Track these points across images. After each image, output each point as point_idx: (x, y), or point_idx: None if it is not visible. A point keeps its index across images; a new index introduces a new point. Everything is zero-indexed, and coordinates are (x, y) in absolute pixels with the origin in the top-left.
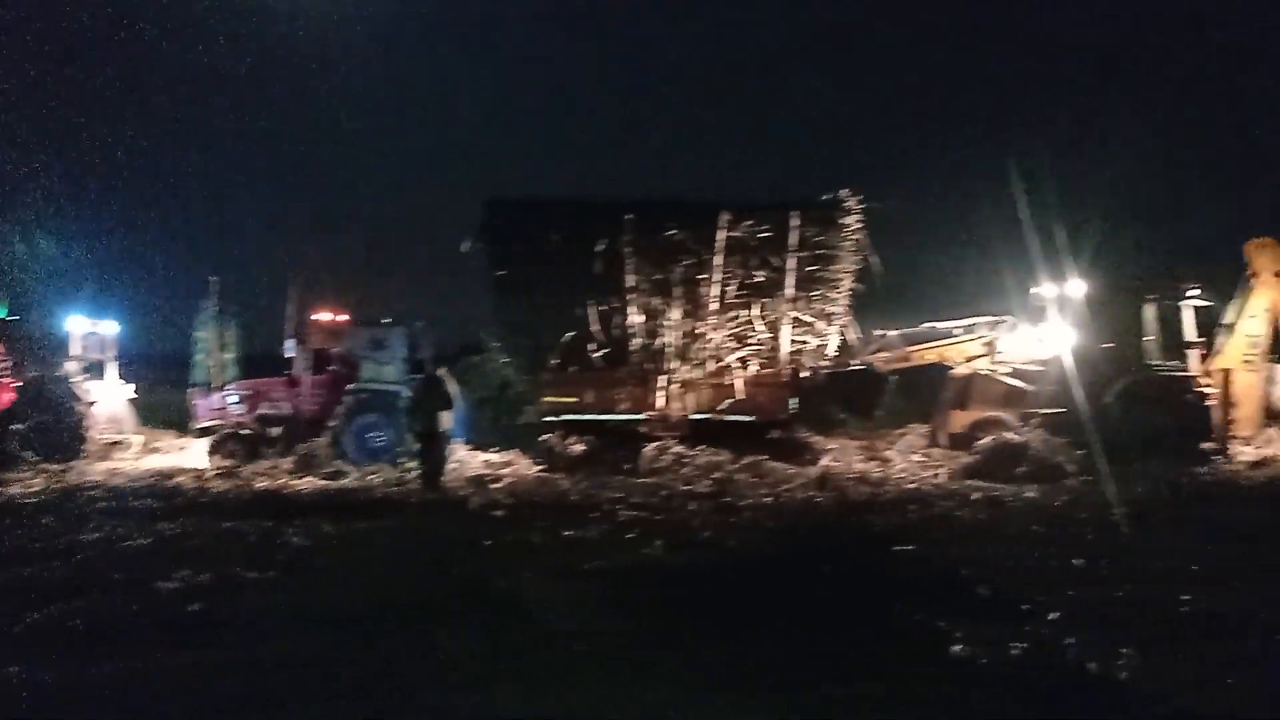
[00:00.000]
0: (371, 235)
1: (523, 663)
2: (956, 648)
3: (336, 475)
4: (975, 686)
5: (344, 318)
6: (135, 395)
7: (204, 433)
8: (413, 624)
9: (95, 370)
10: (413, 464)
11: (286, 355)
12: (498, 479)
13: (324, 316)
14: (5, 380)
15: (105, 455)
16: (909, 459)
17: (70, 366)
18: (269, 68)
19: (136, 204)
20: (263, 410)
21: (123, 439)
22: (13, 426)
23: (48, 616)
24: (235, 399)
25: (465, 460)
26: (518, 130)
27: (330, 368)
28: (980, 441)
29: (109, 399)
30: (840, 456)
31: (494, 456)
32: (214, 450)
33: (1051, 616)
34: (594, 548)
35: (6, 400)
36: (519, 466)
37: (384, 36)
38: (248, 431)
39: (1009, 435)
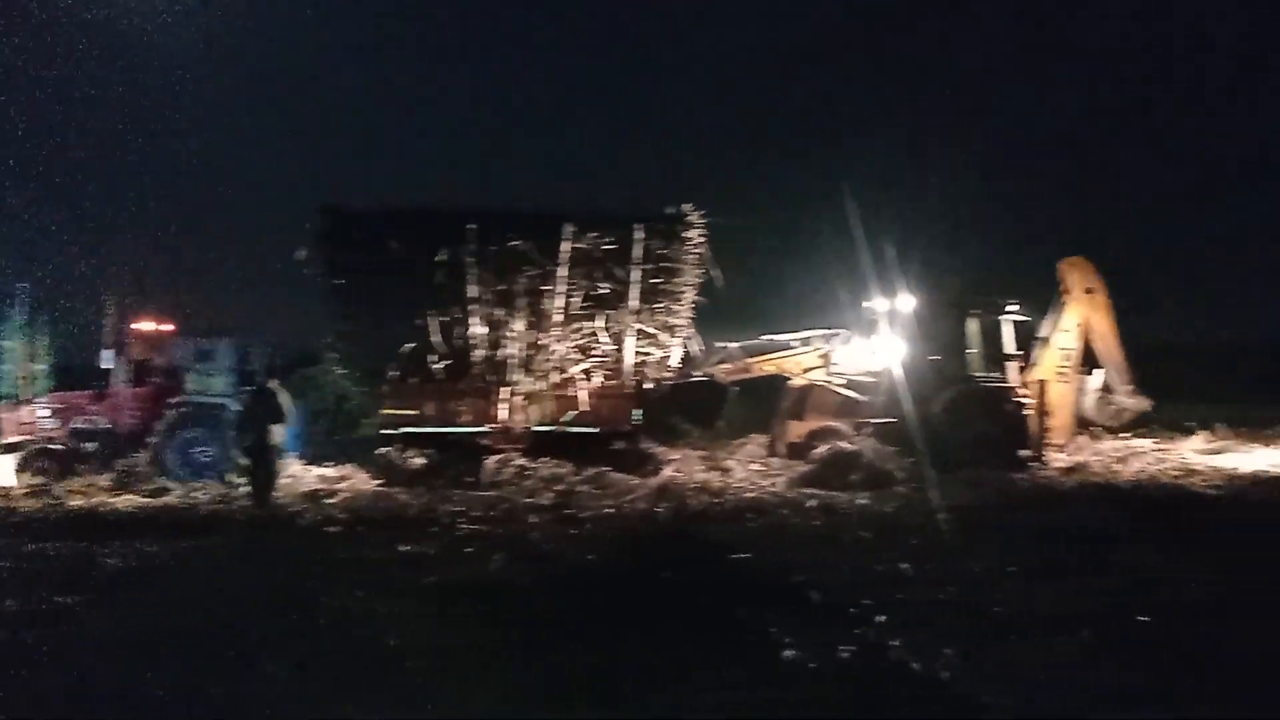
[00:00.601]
0: (200, 241)
1: (352, 682)
2: (789, 652)
3: (159, 492)
4: (806, 689)
5: (167, 327)
6: None
7: (11, 449)
8: (235, 647)
9: None
10: (241, 480)
11: (103, 366)
12: (333, 494)
13: (145, 326)
14: None
15: None
16: (749, 468)
17: None
18: (90, 62)
19: None
20: (77, 424)
21: None
22: None
23: None
24: (47, 413)
25: (299, 475)
26: (357, 136)
27: (152, 380)
28: (816, 451)
29: None
30: (682, 467)
31: (330, 471)
32: (23, 467)
33: (879, 619)
34: (432, 563)
35: None
36: (356, 481)
37: (214, 31)
38: (60, 447)
39: (843, 444)
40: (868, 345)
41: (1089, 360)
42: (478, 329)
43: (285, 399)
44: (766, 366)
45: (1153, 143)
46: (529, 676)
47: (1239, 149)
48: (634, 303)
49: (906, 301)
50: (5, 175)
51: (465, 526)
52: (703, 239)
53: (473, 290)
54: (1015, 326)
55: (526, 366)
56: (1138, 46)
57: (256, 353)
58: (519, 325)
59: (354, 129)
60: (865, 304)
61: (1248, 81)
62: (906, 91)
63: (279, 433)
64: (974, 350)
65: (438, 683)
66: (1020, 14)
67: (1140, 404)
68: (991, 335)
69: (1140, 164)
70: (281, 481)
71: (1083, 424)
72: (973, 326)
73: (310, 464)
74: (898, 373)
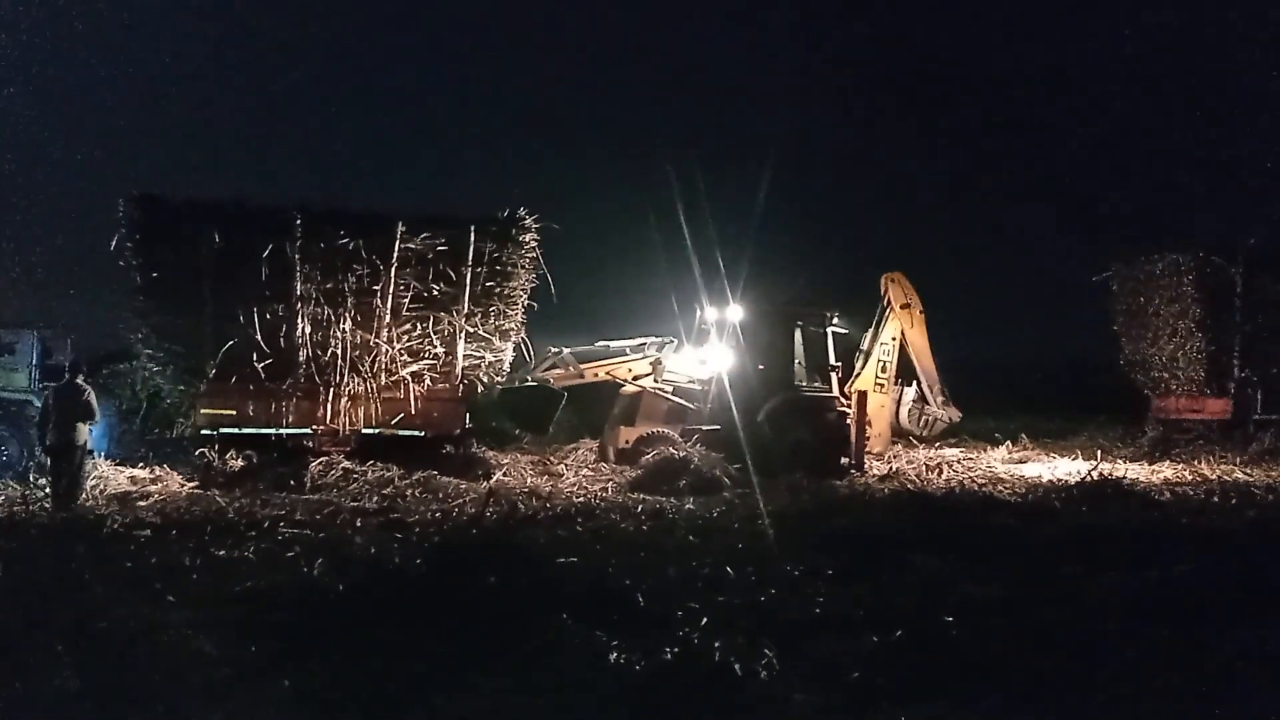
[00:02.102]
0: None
1: (144, 695)
2: (613, 656)
3: None
4: (627, 694)
5: None
6: None
7: None
8: (16, 659)
9: None
10: (43, 481)
11: None
12: (145, 496)
13: None
14: None
15: None
16: (579, 473)
17: None
18: None
19: None
20: None
21: None
22: None
23: None
24: None
25: (108, 476)
26: (174, 122)
27: None
28: (645, 456)
29: None
30: (512, 471)
31: (141, 472)
32: None
33: (703, 621)
34: (249, 568)
35: None
36: (170, 483)
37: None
38: None
39: (672, 450)
40: (698, 353)
41: (905, 372)
42: (303, 327)
43: (92, 395)
44: (599, 372)
45: (977, 160)
46: (340, 684)
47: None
48: (466, 305)
49: (735, 311)
50: None
51: (286, 531)
52: (536, 243)
53: (299, 288)
54: (837, 338)
55: (354, 367)
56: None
57: (60, 346)
58: (347, 325)
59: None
60: (696, 312)
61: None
62: (739, 100)
63: (85, 431)
64: (798, 360)
65: (238, 694)
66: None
67: (951, 415)
68: (815, 346)
69: (959, 178)
70: (90, 483)
71: (898, 433)
72: (798, 337)
73: (120, 465)
74: (725, 381)
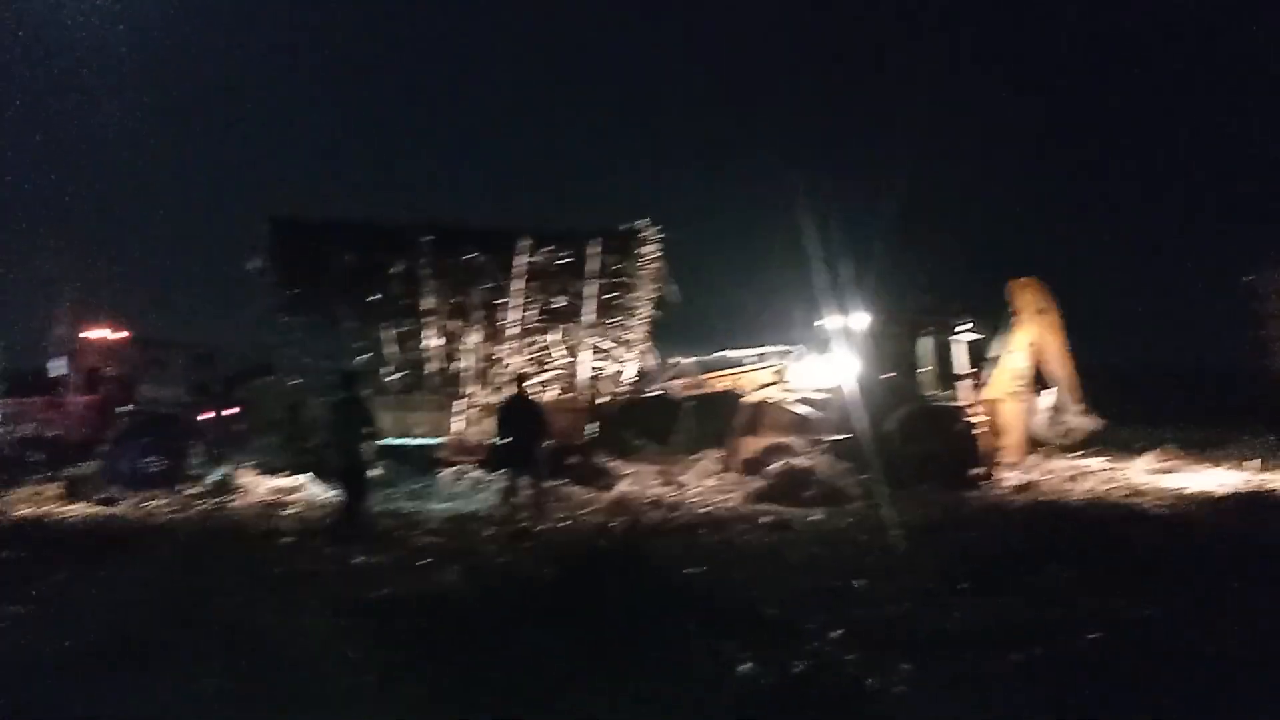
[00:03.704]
0: (152, 249)
1: (287, 696)
2: (743, 667)
3: (109, 502)
4: (760, 705)
5: (119, 335)
6: None
7: None
8: (167, 659)
9: None
10: (195, 490)
11: (52, 374)
12: (286, 505)
13: (97, 333)
14: None
15: None
16: (703, 483)
17: None
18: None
19: None
20: (26, 431)
21: None
22: None
23: None
24: None
25: (253, 485)
26: (310, 145)
27: (103, 388)
28: (770, 467)
29: None
30: (637, 481)
31: (283, 481)
32: None
33: (833, 635)
34: (385, 575)
35: None
36: (309, 492)
37: (163, 40)
38: (10, 454)
39: (797, 461)
40: (822, 362)
41: (1041, 380)
42: (433, 341)
43: (372, 410)
44: (721, 382)
45: (1111, 164)
46: (476, 692)
47: (1197, 174)
48: (589, 317)
49: (860, 319)
50: None
51: (420, 539)
52: (658, 254)
53: (427, 303)
54: (968, 345)
55: (482, 379)
56: (1092, 63)
57: (205, 362)
58: (474, 338)
59: (308, 140)
60: (819, 321)
61: (1212, 102)
62: (864, 108)
63: (370, 450)
64: (926, 369)
65: (378, 700)
66: (982, 23)
67: (1091, 423)
68: (944, 354)
69: (1095, 184)
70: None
71: (1034, 443)
72: (925, 345)
73: (265, 473)
74: (851, 390)
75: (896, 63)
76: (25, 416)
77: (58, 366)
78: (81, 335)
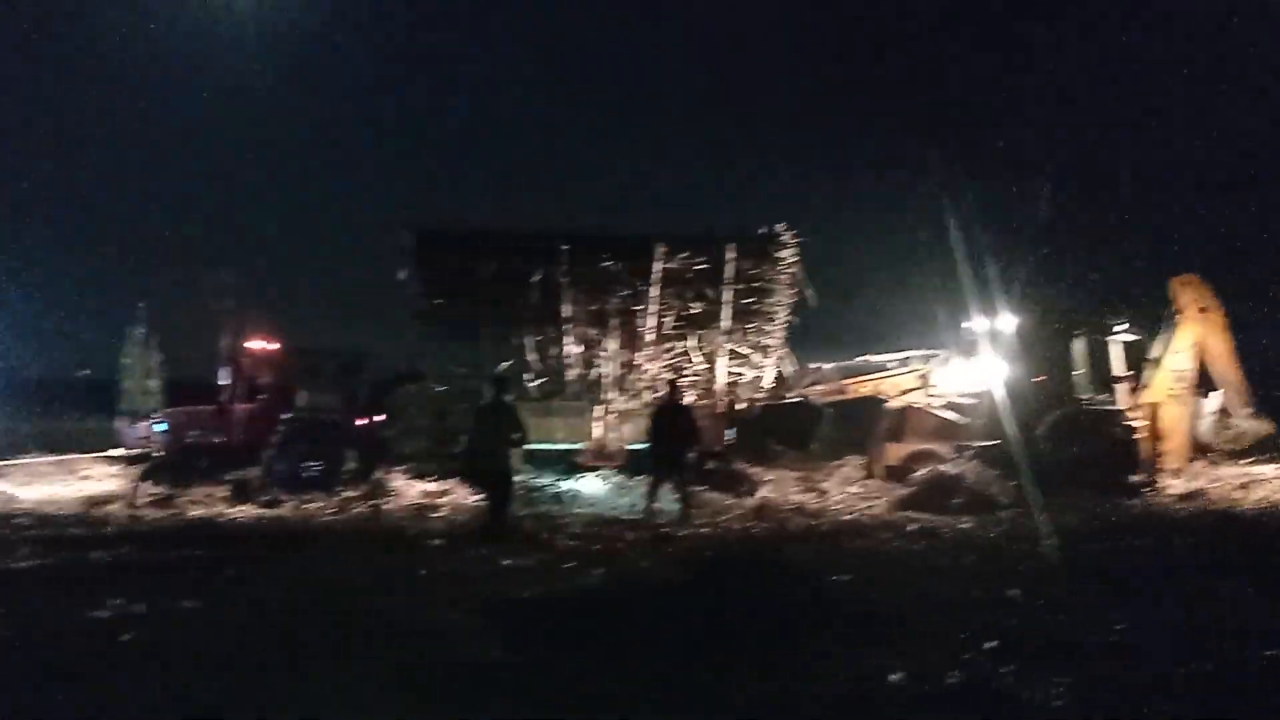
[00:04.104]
0: (296, 262)
1: (438, 694)
2: (894, 677)
3: (272, 504)
4: (910, 715)
5: (277, 346)
6: None
7: (133, 460)
8: (335, 656)
9: None
10: (350, 493)
11: (219, 383)
12: (435, 508)
13: (256, 345)
14: None
15: None
16: (846, 490)
17: None
18: (198, 91)
19: (51, 234)
20: (193, 438)
21: None
22: None
23: None
24: (165, 426)
25: (402, 489)
26: (447, 159)
27: (263, 396)
28: (916, 473)
29: None
30: (778, 488)
31: (431, 486)
32: (145, 477)
33: (987, 646)
34: (532, 577)
35: None
36: (457, 496)
37: (307, 65)
38: (178, 459)
39: (944, 467)
40: (968, 366)
41: (1204, 383)
42: (571, 348)
43: (520, 415)
44: (863, 388)
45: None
46: (622, 695)
47: None
48: (726, 323)
49: (1009, 321)
50: (122, 204)
51: (564, 542)
52: (796, 258)
53: (567, 310)
54: (1125, 347)
55: (620, 385)
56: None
57: (354, 369)
58: (612, 344)
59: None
60: (964, 324)
61: None
62: (1011, 104)
63: (518, 457)
64: (1081, 371)
65: (532, 698)
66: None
67: (1261, 427)
68: (1099, 356)
69: (1258, 177)
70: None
71: (1199, 449)
72: (1079, 346)
73: (414, 478)
74: (1000, 395)
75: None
76: (193, 424)
77: (222, 377)
78: (242, 347)
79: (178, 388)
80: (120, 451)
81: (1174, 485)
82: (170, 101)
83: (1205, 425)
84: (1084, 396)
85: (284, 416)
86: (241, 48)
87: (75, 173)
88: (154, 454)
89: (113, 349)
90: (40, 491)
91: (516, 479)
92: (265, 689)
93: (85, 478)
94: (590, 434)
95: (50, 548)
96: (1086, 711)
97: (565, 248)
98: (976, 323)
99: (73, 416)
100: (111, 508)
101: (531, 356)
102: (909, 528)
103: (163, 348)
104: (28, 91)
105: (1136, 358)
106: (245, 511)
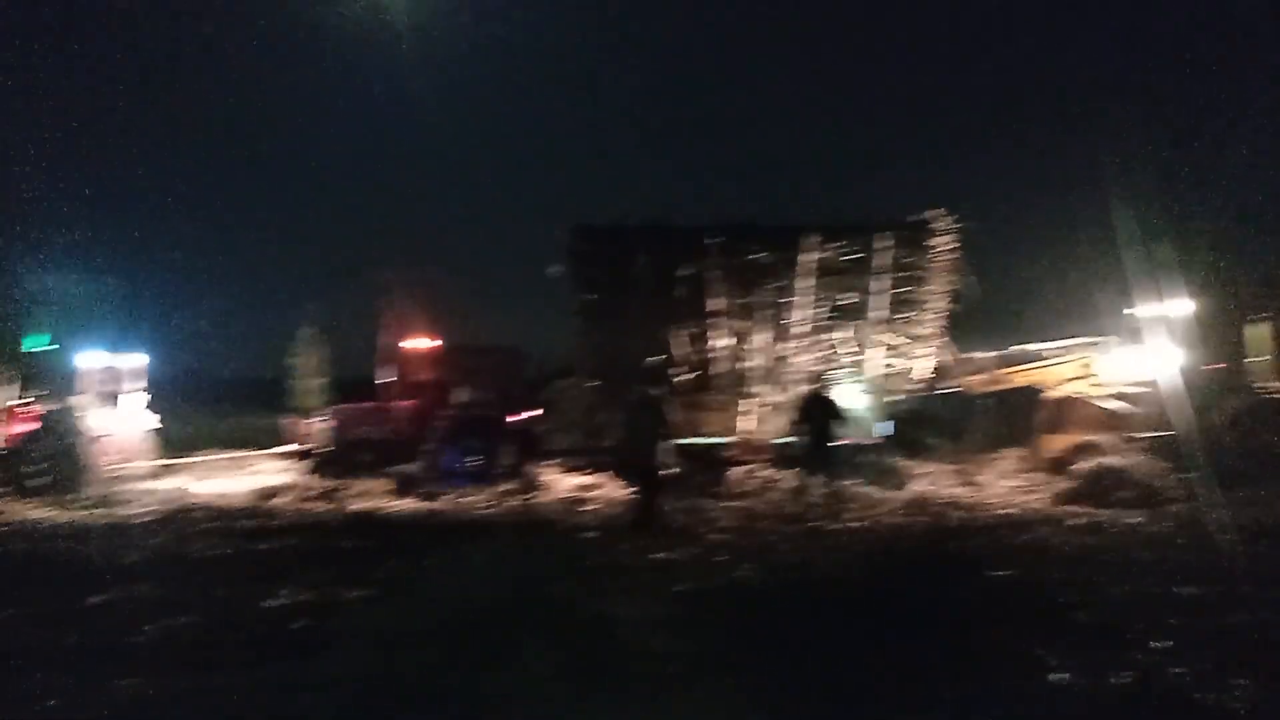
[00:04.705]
0: (452, 261)
1: (597, 683)
2: (1056, 675)
3: (431, 497)
4: (1079, 714)
5: (436, 344)
6: (160, 425)
7: (302, 455)
8: (503, 643)
9: (109, 401)
10: (506, 487)
11: (379, 381)
12: (588, 501)
13: (416, 343)
14: (30, 410)
15: (110, 484)
16: (1003, 483)
17: (81, 399)
18: (346, 95)
19: (229, 238)
20: (358, 433)
21: (129, 468)
22: (33, 455)
23: (159, 630)
24: (332, 422)
25: (555, 483)
26: (590, 156)
27: (423, 393)
28: (1078, 466)
29: (122, 430)
30: (933, 481)
31: (585, 479)
32: (313, 471)
33: (1156, 645)
34: (684, 570)
35: (28, 430)
36: (609, 489)
37: (463, 68)
38: (344, 454)
39: (1108, 459)
40: (1135, 354)
41: None
42: (721, 341)
43: (669, 408)
44: (1021, 378)
45: None
46: (770, 686)
47: None
48: (879, 313)
49: (1180, 306)
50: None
51: (714, 536)
52: (952, 244)
53: (716, 303)
54: None
55: (769, 378)
56: None
57: (520, 365)
58: (762, 337)
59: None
60: (1127, 310)
61: None
62: (1175, 68)
63: (667, 451)
64: (1264, 358)
65: (688, 689)
66: None
67: None
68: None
69: None
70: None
71: None
72: (1260, 331)
73: (567, 471)
74: (1171, 383)
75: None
76: (356, 421)
77: (383, 374)
78: (402, 345)
79: (343, 386)
80: (289, 448)
81: None
82: (338, 105)
83: None
84: (1263, 384)
85: (443, 413)
86: (401, 48)
87: (253, 179)
88: (321, 449)
89: (283, 348)
90: (214, 486)
91: (665, 472)
92: (438, 676)
93: (256, 472)
94: (739, 428)
95: (224, 538)
96: (1264, 715)
97: (716, 240)
98: (1141, 308)
99: (245, 414)
100: (280, 501)
101: (681, 350)
102: (1070, 522)
103: (330, 346)
104: (203, 98)
105: None
106: (406, 505)
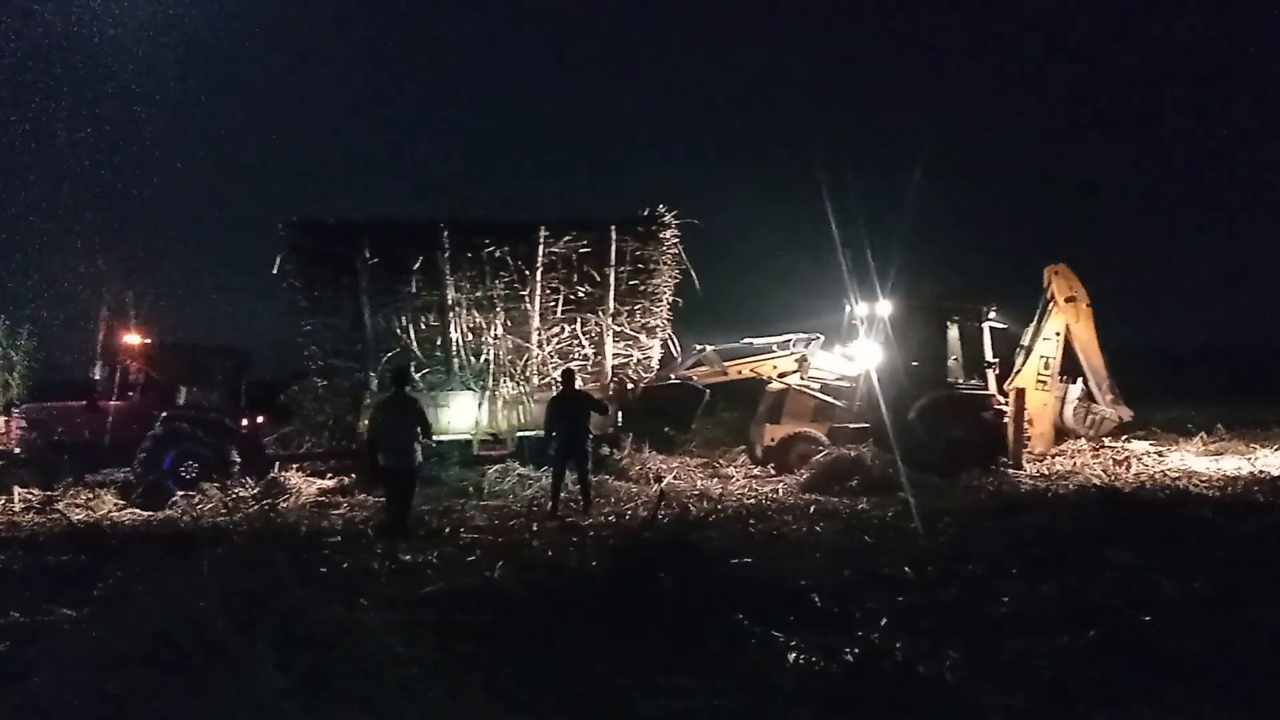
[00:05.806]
0: (179, 254)
1: (334, 693)
2: (793, 655)
3: (155, 505)
4: (812, 693)
5: (153, 340)
6: None
7: None
8: (228, 658)
9: None
10: (243, 493)
11: (93, 378)
12: (334, 505)
13: (134, 339)
14: None
15: None
16: (749, 475)
17: None
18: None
19: None
20: (59, 435)
21: None
22: None
23: None
24: (24, 423)
25: (300, 487)
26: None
27: (138, 392)
28: (817, 456)
29: None
30: (681, 474)
31: (329, 483)
32: (10, 479)
33: (884, 622)
34: (434, 572)
35: None
36: (355, 493)
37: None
38: (38, 458)
39: (845, 450)
40: (846, 350)
41: (1070, 369)
42: (457, 335)
43: (423, 408)
44: (743, 370)
45: (1138, 145)
46: (521, 686)
47: (1229, 152)
48: (611, 305)
49: (885, 306)
50: None
51: (466, 536)
52: (678, 240)
53: (450, 297)
54: (994, 333)
55: (509, 372)
56: (1124, 49)
57: (245, 366)
58: (498, 330)
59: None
60: (844, 308)
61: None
62: (890, 92)
63: (420, 452)
64: (953, 357)
65: (422, 694)
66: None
67: (1120, 413)
68: (971, 342)
69: (1125, 167)
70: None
71: (1063, 433)
72: (952, 332)
73: (310, 476)
74: (875, 378)
75: (923, 40)
76: (59, 421)
77: (92, 373)
78: (116, 341)
79: (50, 384)
80: None
81: (1058, 464)
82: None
83: (1070, 411)
84: (955, 381)
85: (162, 414)
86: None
87: None
88: (18, 452)
89: None
90: None
91: (416, 472)
92: (163, 698)
93: None
94: (481, 423)
95: None
96: (978, 680)
97: (446, 233)
98: (856, 307)
99: None
100: None
101: (418, 346)
102: (810, 509)
103: (33, 340)
104: None
105: (1009, 344)
106: (129, 513)
